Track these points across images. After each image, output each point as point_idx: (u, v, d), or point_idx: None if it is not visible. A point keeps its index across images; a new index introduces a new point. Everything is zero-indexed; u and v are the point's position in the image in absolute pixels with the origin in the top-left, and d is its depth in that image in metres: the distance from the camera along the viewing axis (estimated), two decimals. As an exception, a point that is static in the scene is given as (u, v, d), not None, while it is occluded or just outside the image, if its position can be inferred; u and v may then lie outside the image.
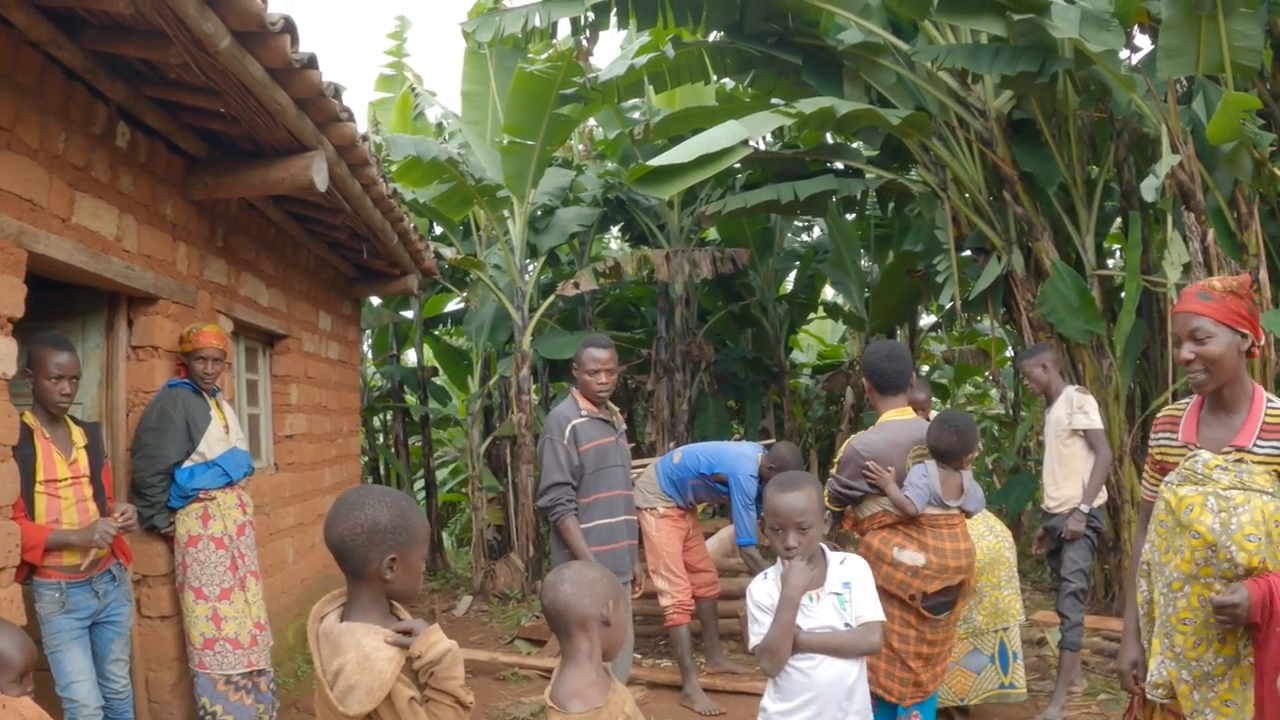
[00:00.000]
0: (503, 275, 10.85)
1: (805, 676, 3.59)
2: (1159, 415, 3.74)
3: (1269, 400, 3.45)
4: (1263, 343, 3.64)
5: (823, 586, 3.70)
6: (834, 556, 3.78)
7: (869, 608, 3.68)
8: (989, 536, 6.28)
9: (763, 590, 3.72)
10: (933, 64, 8.50)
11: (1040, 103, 8.67)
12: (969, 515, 4.87)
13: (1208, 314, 3.41)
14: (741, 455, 7.27)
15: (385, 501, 2.69)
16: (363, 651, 2.55)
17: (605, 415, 5.99)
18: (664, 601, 7.18)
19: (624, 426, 6.24)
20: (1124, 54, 8.40)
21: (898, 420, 4.88)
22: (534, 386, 10.51)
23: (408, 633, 2.65)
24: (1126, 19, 7.91)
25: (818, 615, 3.65)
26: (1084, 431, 6.54)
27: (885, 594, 4.34)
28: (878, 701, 4.54)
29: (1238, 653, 3.34)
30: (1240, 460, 3.36)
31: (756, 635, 3.68)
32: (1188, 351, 3.42)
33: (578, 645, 2.85)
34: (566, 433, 5.82)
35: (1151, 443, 3.72)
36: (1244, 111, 7.12)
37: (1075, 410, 6.59)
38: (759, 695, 6.83)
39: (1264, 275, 7.68)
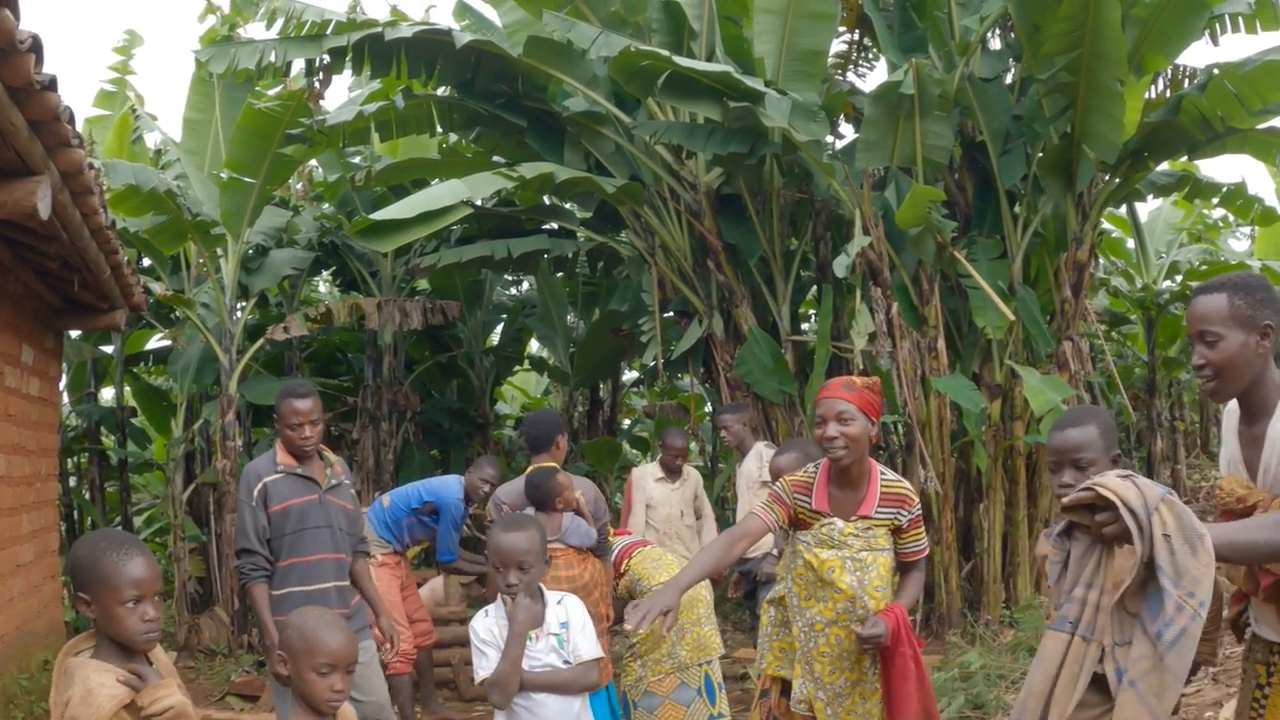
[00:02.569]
0: (211, 315, 10.56)
1: (532, 714, 3.84)
2: (790, 478, 4.39)
3: (883, 472, 4.31)
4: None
5: (542, 626, 3.98)
6: (551, 596, 4.08)
7: (587, 646, 4.04)
8: None
9: (485, 626, 3.99)
10: (651, 138, 9.01)
11: (747, 181, 9.30)
12: (573, 548, 5.68)
13: (853, 401, 4.15)
14: (447, 482, 7.47)
15: (85, 540, 2.83)
16: (88, 686, 2.61)
17: (305, 471, 5.26)
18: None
19: (344, 480, 5.46)
20: (829, 140, 9.10)
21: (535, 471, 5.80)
22: (238, 431, 10.22)
23: (140, 676, 2.70)
24: (834, 111, 8.67)
25: (538, 654, 3.94)
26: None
27: None
28: None
29: (862, 675, 4.26)
30: (869, 528, 4.23)
31: (483, 669, 3.93)
32: (833, 429, 4.11)
33: None
34: (255, 492, 5.20)
35: (786, 491, 4.33)
36: (930, 201, 7.92)
37: (765, 464, 7.00)
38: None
39: (941, 344, 8.53)
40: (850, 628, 4.16)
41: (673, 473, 7.90)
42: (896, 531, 4.29)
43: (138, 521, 13.85)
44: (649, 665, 6.43)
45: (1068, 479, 3.26)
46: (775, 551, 6.84)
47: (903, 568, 4.39)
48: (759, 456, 7.21)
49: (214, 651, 9.60)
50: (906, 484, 4.36)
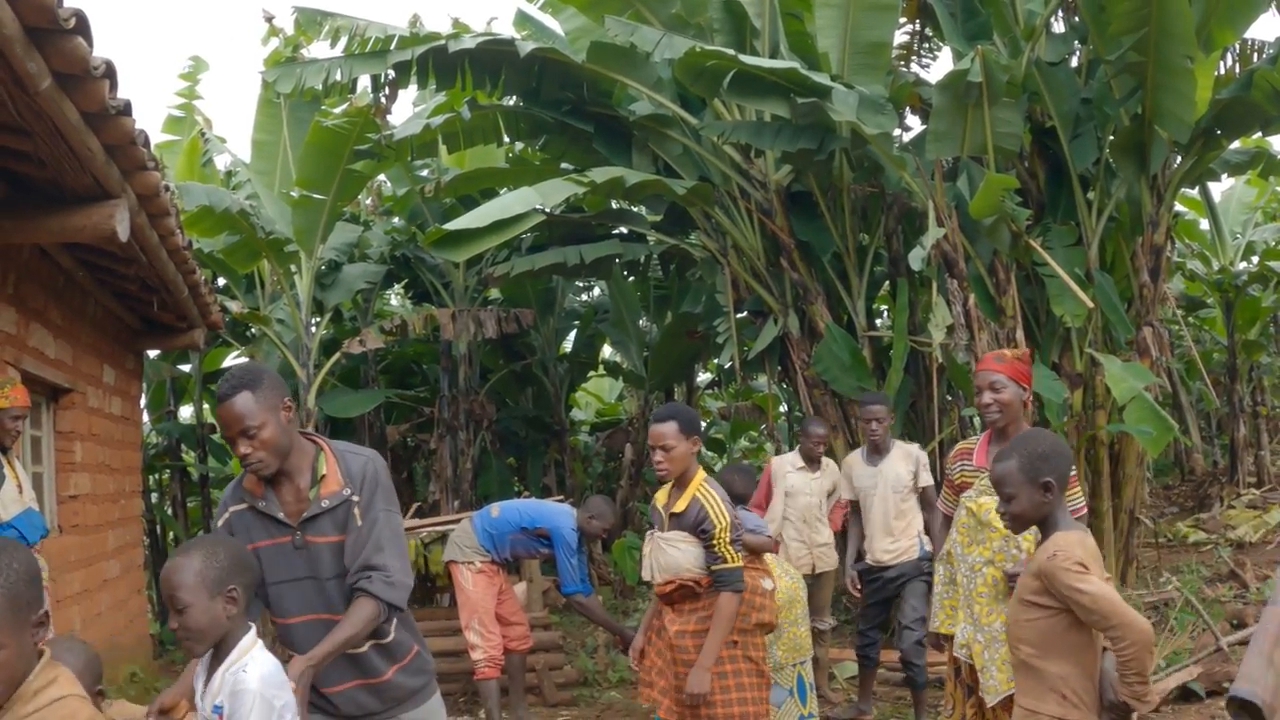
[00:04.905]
0: (288, 331, 10.72)
1: None
2: (955, 449, 5.04)
3: None
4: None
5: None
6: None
7: None
8: (785, 578, 6.65)
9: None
10: (719, 138, 8.99)
11: (817, 177, 9.25)
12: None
13: (1003, 371, 4.67)
14: (561, 510, 7.38)
15: None
16: None
17: (268, 506, 3.58)
18: (475, 656, 7.11)
19: (339, 498, 3.54)
20: (897, 133, 9.04)
21: None
22: None
23: None
24: (900, 103, 8.59)
25: None
26: (923, 488, 6.92)
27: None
28: None
29: None
30: None
31: None
32: (988, 398, 4.62)
33: None
34: (221, 524, 3.70)
35: (950, 469, 4.96)
36: (1003, 190, 7.80)
37: (921, 467, 6.94)
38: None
39: (1020, 335, 8.41)
40: (1004, 567, 4.52)
41: (812, 462, 7.70)
42: None
43: (222, 537, 14.03)
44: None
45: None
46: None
47: None
48: (910, 459, 6.98)
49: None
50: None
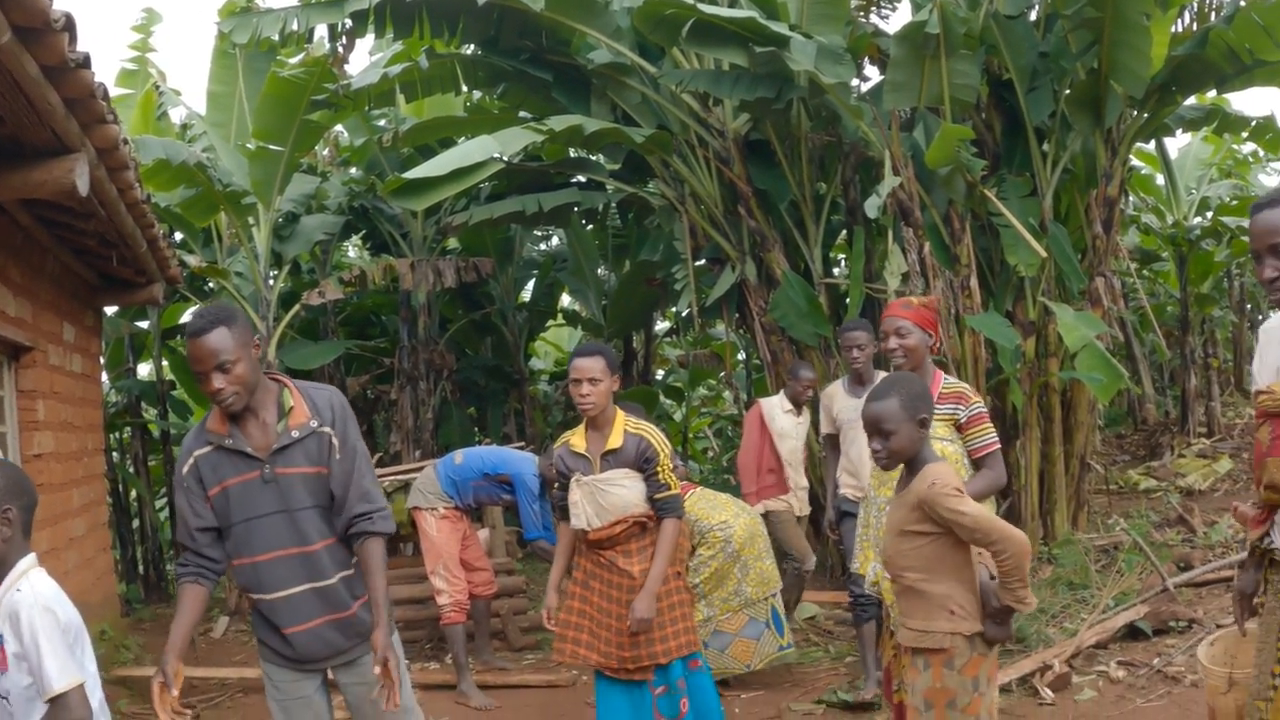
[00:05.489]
0: (246, 284, 10.67)
1: None
2: None
3: (945, 377, 4.85)
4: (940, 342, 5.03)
5: None
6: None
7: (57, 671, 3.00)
8: (743, 515, 6.81)
9: None
10: (677, 87, 9.01)
11: (775, 126, 9.30)
12: None
13: (909, 318, 4.79)
14: (523, 457, 7.46)
15: None
16: None
17: (237, 443, 3.75)
18: (441, 600, 7.21)
19: (308, 429, 3.78)
20: (854, 83, 9.09)
21: None
22: None
23: None
24: (858, 53, 8.66)
25: None
26: None
27: None
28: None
29: None
30: None
31: None
32: (893, 343, 4.76)
33: None
34: (186, 471, 3.81)
35: None
36: (959, 140, 7.90)
37: None
38: (531, 688, 7.16)
39: (974, 283, 8.56)
40: None
41: (799, 406, 7.83)
42: (959, 428, 4.75)
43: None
44: (715, 604, 6.62)
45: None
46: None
47: (975, 464, 4.78)
48: None
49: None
50: (967, 386, 4.90)
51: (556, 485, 5.23)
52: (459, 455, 7.55)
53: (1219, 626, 6.17)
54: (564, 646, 5.17)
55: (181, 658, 3.61)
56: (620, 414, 5.02)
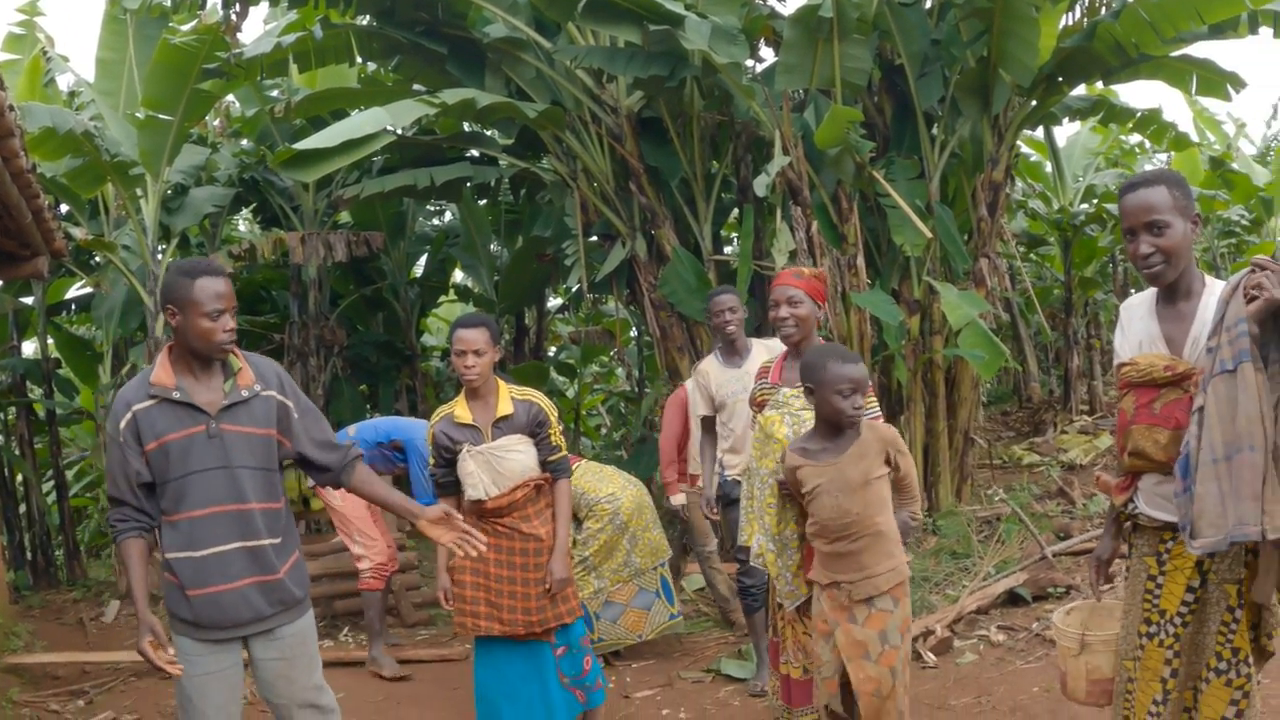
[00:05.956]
0: (134, 257, 10.41)
1: None
2: (759, 368, 5.26)
3: None
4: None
5: None
6: None
7: None
8: (630, 487, 6.87)
9: None
10: (571, 62, 9.02)
11: (668, 104, 9.35)
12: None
13: (800, 287, 4.88)
14: (417, 423, 7.43)
15: None
16: None
17: (185, 395, 3.80)
18: (363, 566, 7.20)
19: (254, 391, 3.90)
20: (748, 63, 9.20)
21: None
22: None
23: None
24: (753, 34, 8.77)
25: None
26: None
27: None
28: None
29: (802, 531, 4.52)
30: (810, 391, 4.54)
31: None
32: (784, 311, 4.86)
33: None
34: (123, 425, 3.79)
35: (754, 389, 5.19)
36: (848, 122, 8.04)
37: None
38: (424, 662, 7.17)
39: (861, 261, 8.72)
40: (778, 477, 4.60)
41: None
42: None
43: (68, 475, 13.63)
44: (605, 576, 6.67)
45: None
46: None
47: None
48: (774, 352, 6.03)
49: (156, 597, 9.49)
50: None
51: (434, 462, 5.22)
52: (352, 429, 7.55)
53: (1094, 595, 6.41)
54: (464, 620, 5.21)
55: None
56: (501, 382, 5.10)
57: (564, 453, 5.20)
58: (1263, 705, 3.98)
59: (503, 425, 5.02)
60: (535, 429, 5.06)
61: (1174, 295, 3.52)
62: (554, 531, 5.16)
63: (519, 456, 5.02)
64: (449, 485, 5.20)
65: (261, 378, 3.92)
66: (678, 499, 7.20)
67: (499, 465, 5.00)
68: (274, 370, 3.99)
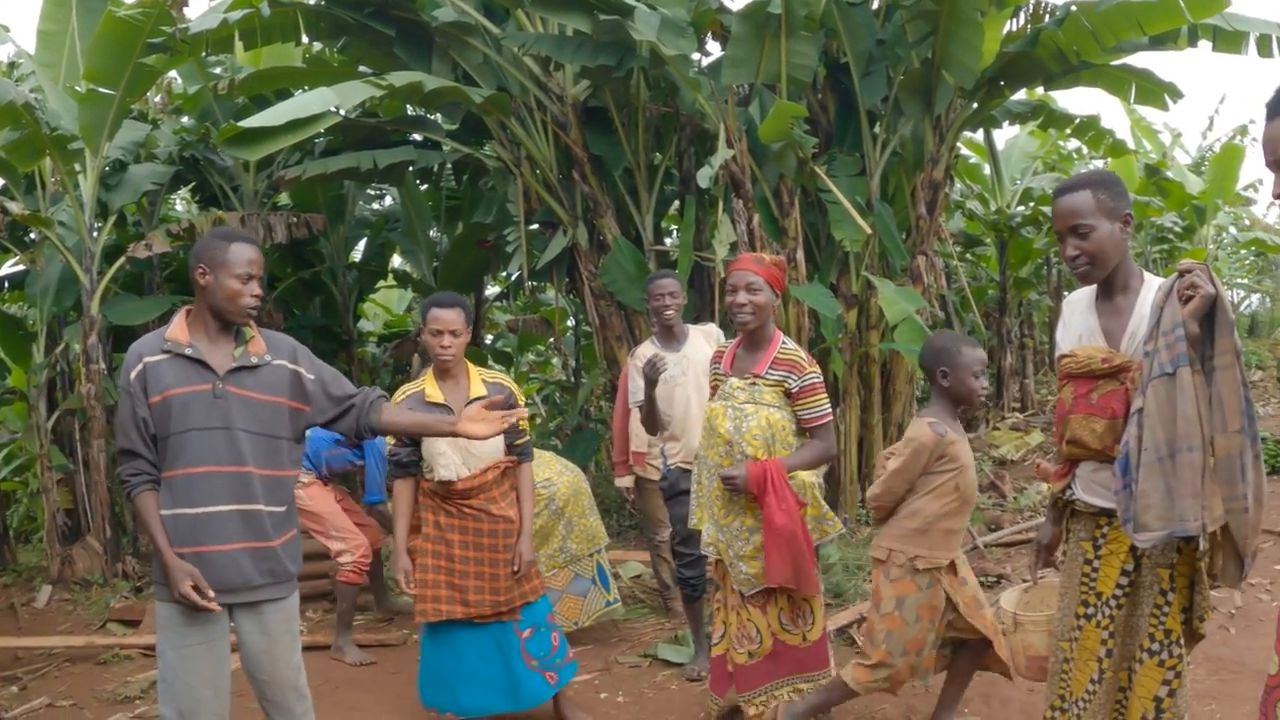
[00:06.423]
0: (70, 234, 10.21)
1: None
2: (714, 352, 5.23)
3: (784, 342, 4.85)
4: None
5: None
6: None
7: None
8: (567, 473, 6.90)
9: None
10: (519, 49, 9.02)
11: (614, 94, 9.40)
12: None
13: (760, 274, 4.80)
14: None
15: None
16: None
17: (197, 352, 3.90)
18: (344, 560, 7.20)
19: (265, 359, 4.00)
20: (695, 56, 9.25)
21: None
22: (101, 354, 9.89)
23: None
24: (702, 27, 8.84)
25: None
26: None
27: None
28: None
29: (757, 523, 4.71)
30: (754, 384, 4.77)
31: None
32: (743, 298, 4.76)
33: None
34: (134, 376, 3.89)
35: (710, 372, 5.17)
36: (792, 118, 8.14)
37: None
38: (364, 647, 7.15)
39: (800, 255, 8.84)
40: (720, 470, 4.75)
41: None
42: (791, 396, 4.78)
43: (-3, 458, 13.38)
44: (541, 562, 6.67)
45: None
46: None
47: (809, 433, 4.86)
48: (711, 338, 6.34)
49: (89, 582, 9.39)
50: (804, 354, 4.85)
51: (396, 441, 5.20)
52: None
53: (1024, 580, 6.56)
54: (425, 606, 5.18)
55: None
56: (468, 363, 5.16)
57: (529, 437, 5.28)
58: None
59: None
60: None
61: (1111, 291, 3.68)
62: (521, 513, 5.22)
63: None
64: (410, 465, 5.20)
65: (274, 349, 4.04)
66: (623, 481, 7.03)
67: (472, 446, 5.02)
68: (288, 344, 4.11)
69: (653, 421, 6.03)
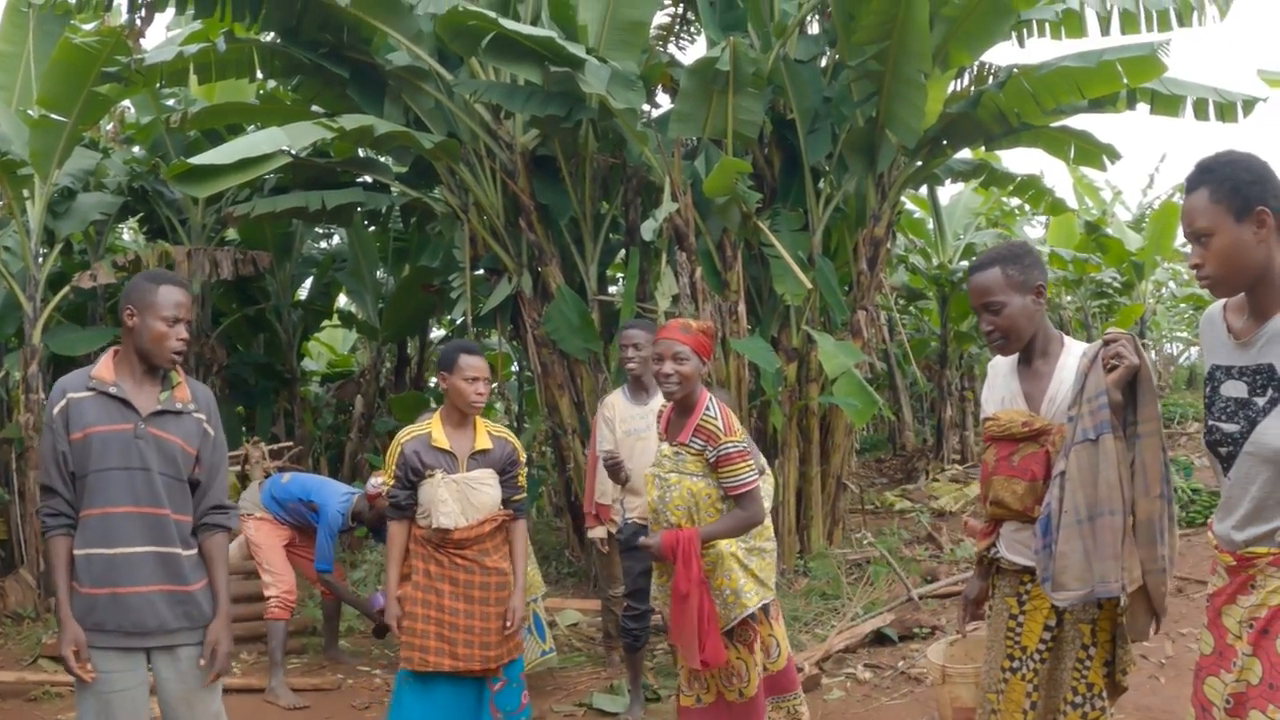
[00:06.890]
0: (15, 260, 10.16)
1: None
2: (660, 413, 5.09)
3: (707, 408, 4.68)
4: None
5: None
6: None
7: None
8: None
9: None
10: (471, 96, 9.12)
11: (563, 144, 9.51)
12: None
13: (687, 343, 4.65)
14: (337, 490, 7.41)
15: None
16: None
17: (122, 391, 3.87)
18: (268, 593, 7.20)
19: (187, 409, 3.97)
20: (645, 109, 9.40)
21: None
22: (41, 384, 9.81)
23: None
24: (652, 81, 9.01)
25: None
26: None
27: None
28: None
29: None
30: (678, 452, 4.72)
31: None
32: (669, 368, 4.62)
33: None
34: (57, 412, 3.87)
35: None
36: (737, 173, 8.32)
37: None
38: (298, 690, 7.11)
39: (742, 308, 8.96)
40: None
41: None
42: (711, 465, 4.65)
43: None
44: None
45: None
46: None
47: (735, 501, 4.68)
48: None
49: (21, 615, 9.22)
50: (720, 423, 4.63)
51: (396, 482, 5.16)
52: (286, 477, 7.70)
53: (958, 633, 6.68)
54: (411, 654, 5.12)
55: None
56: (476, 416, 5.20)
57: (525, 494, 5.33)
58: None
59: (479, 458, 5.11)
60: (508, 467, 5.17)
61: (1031, 356, 3.82)
62: (514, 568, 5.27)
63: (489, 490, 5.10)
64: (407, 508, 5.19)
65: (196, 399, 4.02)
66: (595, 533, 6.92)
67: (473, 496, 5.05)
68: (208, 398, 4.10)
69: (616, 476, 6.19)
